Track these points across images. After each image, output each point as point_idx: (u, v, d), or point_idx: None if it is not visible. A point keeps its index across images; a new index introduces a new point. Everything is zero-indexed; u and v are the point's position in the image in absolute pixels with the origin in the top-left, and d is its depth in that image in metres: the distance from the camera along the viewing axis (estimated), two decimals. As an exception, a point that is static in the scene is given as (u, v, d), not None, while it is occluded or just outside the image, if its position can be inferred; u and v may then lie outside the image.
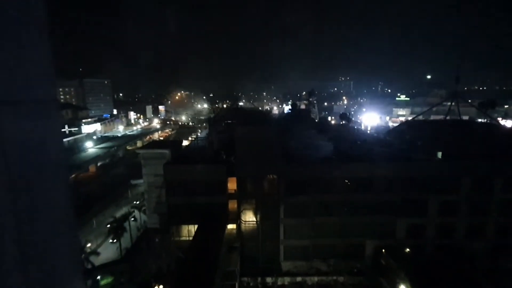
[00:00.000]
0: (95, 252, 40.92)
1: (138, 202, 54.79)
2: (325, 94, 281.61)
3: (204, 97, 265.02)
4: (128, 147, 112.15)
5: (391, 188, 33.93)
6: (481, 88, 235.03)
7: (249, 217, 35.59)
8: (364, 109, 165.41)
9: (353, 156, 36.66)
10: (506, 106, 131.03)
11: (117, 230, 43.49)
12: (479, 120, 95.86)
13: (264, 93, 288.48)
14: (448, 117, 69.74)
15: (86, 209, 54.07)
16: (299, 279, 34.20)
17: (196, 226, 33.74)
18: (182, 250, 31.83)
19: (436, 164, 35.29)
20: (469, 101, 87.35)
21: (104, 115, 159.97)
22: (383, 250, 34.04)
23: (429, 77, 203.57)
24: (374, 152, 37.91)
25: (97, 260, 39.35)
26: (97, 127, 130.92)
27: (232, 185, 35.36)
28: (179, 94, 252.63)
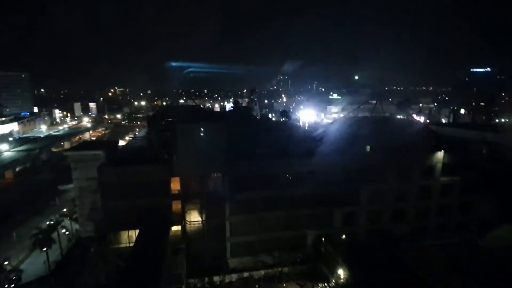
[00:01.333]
0: (16, 269, 35.84)
1: (67, 210, 49.51)
2: (266, 92, 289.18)
3: (141, 94, 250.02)
4: (54, 149, 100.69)
5: (328, 181, 36.45)
6: (399, 88, 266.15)
7: (194, 217, 34.92)
8: (301, 107, 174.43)
9: (293, 152, 38.40)
10: (421, 105, 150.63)
11: (43, 242, 38.67)
12: (398, 116, 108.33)
13: (205, 91, 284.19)
14: (373, 114, 77.34)
15: (1, 221, 46.99)
16: (246, 274, 34.78)
17: (137, 231, 31.88)
18: (122, 257, 29.80)
19: (365, 157, 39.01)
20: (390, 99, 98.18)
21: (23, 114, 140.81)
22: (323, 239, 36.54)
23: (356, 77, 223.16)
24: (312, 147, 40.26)
25: (24, 277, 34.60)
26: (13, 127, 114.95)
27: (175, 185, 34.22)
28: (112, 90, 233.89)
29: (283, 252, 36.05)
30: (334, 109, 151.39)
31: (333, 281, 30.86)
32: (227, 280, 34.24)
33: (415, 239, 38.58)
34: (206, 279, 33.66)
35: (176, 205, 34.47)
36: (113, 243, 32.99)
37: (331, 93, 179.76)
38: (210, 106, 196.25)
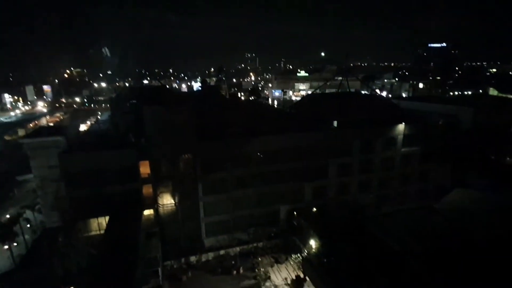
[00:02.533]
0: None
1: (28, 201, 46.67)
2: (233, 70, 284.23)
3: (101, 75, 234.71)
4: (7, 137, 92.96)
5: (299, 156, 37.43)
6: (363, 65, 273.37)
7: (167, 200, 34.55)
8: (270, 85, 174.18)
9: (264, 130, 38.69)
10: (386, 80, 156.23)
11: (5, 236, 36.44)
12: (363, 92, 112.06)
13: (171, 70, 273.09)
14: (340, 90, 79.30)
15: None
16: (222, 252, 35.59)
17: (107, 218, 31.02)
18: (94, 245, 29.05)
19: (333, 132, 40.36)
20: (354, 76, 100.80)
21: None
22: (295, 213, 38.00)
23: (323, 54, 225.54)
24: (282, 124, 40.80)
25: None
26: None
27: (145, 169, 33.35)
28: (68, 71, 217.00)
29: (258, 228, 37.11)
30: (302, 86, 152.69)
31: (305, 251, 32.51)
32: (203, 259, 34.85)
33: (379, 207, 41.35)
34: (183, 259, 34.02)
35: (147, 189, 33.81)
36: (82, 231, 31.90)
37: (299, 70, 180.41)
38: (177, 87, 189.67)
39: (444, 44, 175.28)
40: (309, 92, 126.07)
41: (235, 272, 32.84)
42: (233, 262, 34.02)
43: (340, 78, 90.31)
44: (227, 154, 34.88)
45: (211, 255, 35.35)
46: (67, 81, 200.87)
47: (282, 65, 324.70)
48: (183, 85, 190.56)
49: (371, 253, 28.60)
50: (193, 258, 34.42)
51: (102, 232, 30.32)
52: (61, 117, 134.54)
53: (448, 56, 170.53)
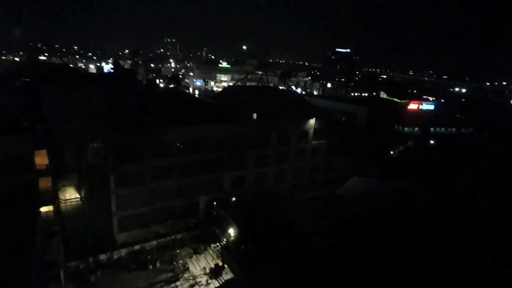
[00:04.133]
0: None
1: None
2: (151, 55, 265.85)
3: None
4: None
5: (218, 147, 37.79)
6: (281, 62, 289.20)
7: (71, 194, 30.74)
8: (191, 73, 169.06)
9: (183, 119, 37.68)
10: (300, 78, 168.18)
11: None
12: (280, 87, 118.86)
13: (76, 47, 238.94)
14: (260, 84, 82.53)
15: None
16: (137, 247, 33.55)
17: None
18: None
19: (252, 124, 41.96)
20: (273, 71, 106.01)
21: None
22: (214, 203, 38.42)
23: (244, 47, 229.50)
24: (202, 114, 40.40)
25: None
26: None
27: (41, 159, 28.93)
28: None
29: (177, 220, 36.18)
30: (223, 77, 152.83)
31: (224, 240, 33.34)
32: (115, 256, 32.27)
33: (292, 194, 45.08)
34: (91, 258, 30.83)
35: (45, 183, 29.44)
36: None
37: (221, 61, 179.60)
38: (83, 66, 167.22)
39: (349, 50, 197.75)
40: (231, 84, 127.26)
41: (151, 266, 31.45)
42: (149, 257, 32.46)
43: (260, 72, 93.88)
44: (144, 143, 32.84)
45: (124, 251, 32.94)
46: None
47: (204, 54, 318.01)
48: (91, 66, 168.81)
49: (284, 236, 31.20)
50: (103, 256, 31.51)
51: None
52: None
53: (351, 61, 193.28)
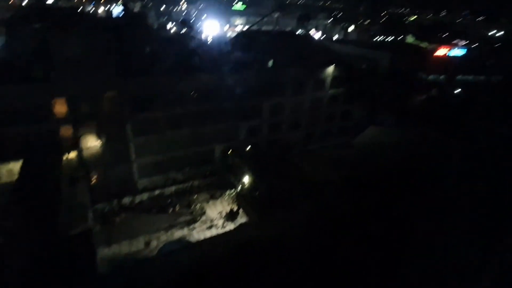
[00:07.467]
0: None
1: None
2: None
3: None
4: None
5: (233, 96, 37.08)
6: (299, 3, 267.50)
7: (92, 142, 31.79)
8: (204, 16, 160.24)
9: (198, 67, 36.60)
10: (321, 21, 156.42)
11: None
12: (298, 31, 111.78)
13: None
14: (276, 28, 77.71)
15: None
16: (157, 192, 35.49)
17: (19, 164, 27.42)
18: (3, 195, 25.93)
19: (268, 72, 40.36)
20: (290, 13, 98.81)
21: None
22: (230, 152, 39.04)
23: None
24: (218, 62, 39.00)
25: None
26: None
27: (61, 107, 29.38)
28: None
29: (193, 167, 37.43)
30: (238, 20, 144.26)
31: (239, 187, 34.55)
32: (137, 200, 34.43)
33: (306, 144, 45.04)
34: (115, 202, 33.07)
35: (66, 131, 30.34)
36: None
37: (235, 2, 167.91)
38: (92, 10, 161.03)
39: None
40: (245, 27, 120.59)
41: (171, 210, 33.54)
42: (168, 201, 34.47)
43: (276, 14, 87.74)
44: (158, 92, 32.55)
45: (145, 195, 35.00)
46: None
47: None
48: (100, 9, 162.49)
49: (296, 183, 31.89)
50: (126, 200, 33.69)
51: (13, 180, 26.99)
52: None
53: (377, 1, 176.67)
